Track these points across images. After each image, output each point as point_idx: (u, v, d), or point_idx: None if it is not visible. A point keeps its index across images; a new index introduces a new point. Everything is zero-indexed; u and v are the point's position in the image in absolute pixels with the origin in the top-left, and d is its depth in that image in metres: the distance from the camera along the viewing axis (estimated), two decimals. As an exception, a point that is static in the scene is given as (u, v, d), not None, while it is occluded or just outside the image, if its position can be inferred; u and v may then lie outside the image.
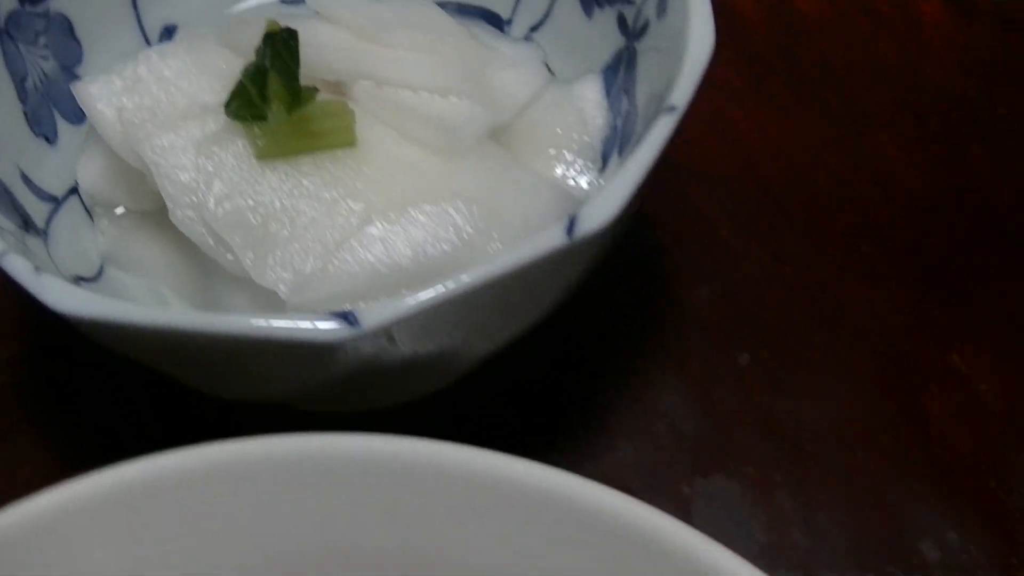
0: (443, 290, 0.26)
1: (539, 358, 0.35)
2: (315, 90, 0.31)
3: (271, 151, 0.31)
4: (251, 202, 0.30)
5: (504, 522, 0.25)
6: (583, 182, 0.34)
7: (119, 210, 0.34)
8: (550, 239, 0.27)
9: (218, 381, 0.30)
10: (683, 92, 0.29)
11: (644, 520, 0.24)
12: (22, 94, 0.34)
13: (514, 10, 0.38)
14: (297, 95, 0.31)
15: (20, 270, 0.27)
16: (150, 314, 0.26)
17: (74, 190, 0.34)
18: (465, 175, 0.31)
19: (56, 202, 0.34)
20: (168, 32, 0.38)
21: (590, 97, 0.35)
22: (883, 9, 0.44)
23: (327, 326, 0.26)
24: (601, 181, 0.34)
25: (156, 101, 0.32)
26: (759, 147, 0.40)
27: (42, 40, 0.35)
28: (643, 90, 0.33)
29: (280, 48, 0.32)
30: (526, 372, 0.35)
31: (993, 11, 0.44)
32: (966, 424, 0.35)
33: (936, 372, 0.36)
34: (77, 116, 0.35)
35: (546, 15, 0.37)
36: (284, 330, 0.26)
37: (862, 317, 0.37)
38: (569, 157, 0.34)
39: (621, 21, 0.35)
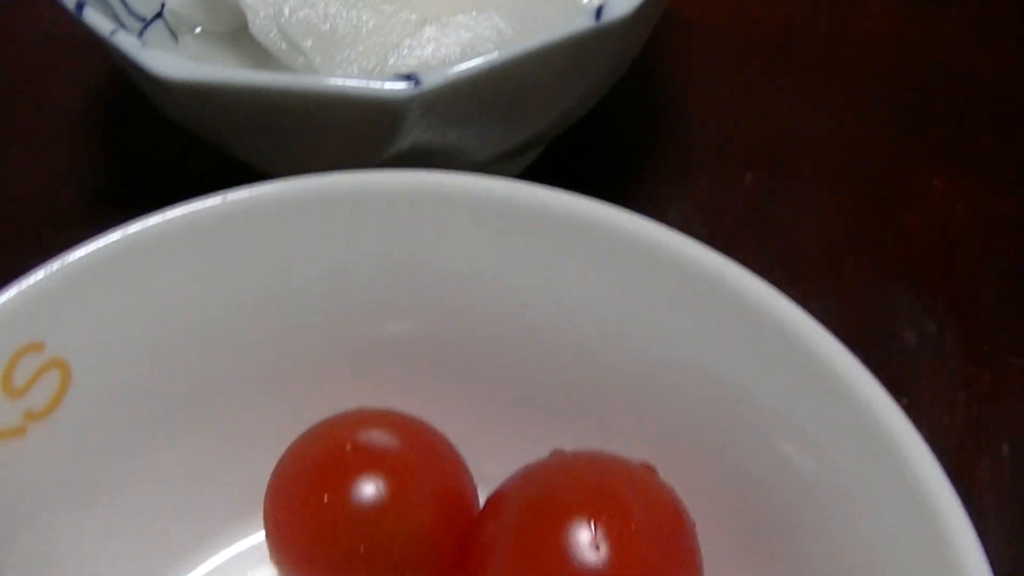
0: (491, 59, 0.31)
1: (558, 171, 0.40)
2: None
3: (340, -30, 0.35)
4: (321, 12, 0.35)
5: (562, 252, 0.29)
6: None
7: (198, 30, 0.39)
8: (582, 22, 0.31)
9: (285, 154, 0.34)
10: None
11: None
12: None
13: None
14: (360, -78, 0.36)
15: (129, 44, 0.32)
16: (241, 74, 0.31)
17: (158, 15, 0.39)
18: (508, -7, 0.36)
19: (145, 21, 0.39)
20: None
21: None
22: None
23: (394, 85, 0.30)
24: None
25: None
26: (758, 3, 0.45)
27: None
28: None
29: None
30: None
31: None
32: (942, 237, 0.40)
33: (918, 194, 0.40)
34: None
35: None
36: (357, 88, 0.30)
37: (853, 148, 0.42)
38: (595, -12, 0.39)
39: None
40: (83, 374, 0.29)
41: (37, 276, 0.28)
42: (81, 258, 0.29)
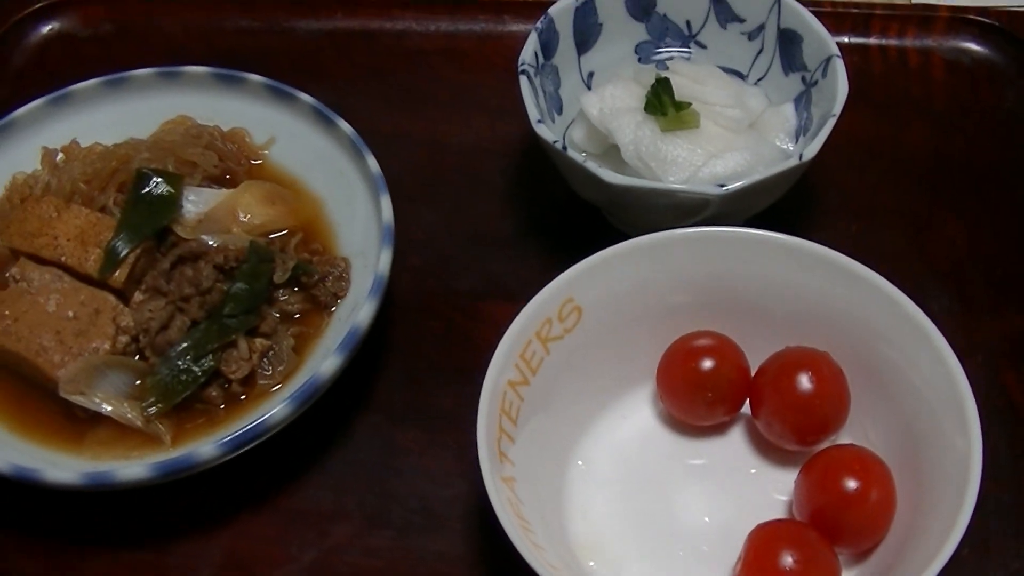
0: (753, 178, 0.70)
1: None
2: (688, 104, 0.75)
3: (667, 127, 0.74)
4: (660, 148, 0.74)
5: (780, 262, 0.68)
6: (790, 147, 0.77)
7: (584, 153, 0.78)
8: (794, 160, 0.70)
9: (643, 220, 0.73)
10: (837, 106, 0.73)
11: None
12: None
13: (749, 70, 0.82)
14: (676, 104, 0.75)
15: (591, 165, 0.71)
16: (645, 182, 0.70)
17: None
18: (746, 141, 0.75)
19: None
20: (590, 75, 0.82)
21: (789, 112, 0.79)
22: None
23: (712, 189, 0.69)
24: (796, 147, 0.78)
25: (614, 101, 0.76)
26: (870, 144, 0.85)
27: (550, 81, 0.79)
28: (814, 111, 0.77)
29: (663, 83, 0.76)
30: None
31: None
32: None
33: None
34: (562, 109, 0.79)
35: (765, 73, 0.81)
36: (696, 190, 0.69)
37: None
38: (783, 136, 0.78)
39: (803, 78, 0.79)
40: (589, 315, 0.68)
41: (572, 269, 0.67)
42: (590, 260, 0.67)
